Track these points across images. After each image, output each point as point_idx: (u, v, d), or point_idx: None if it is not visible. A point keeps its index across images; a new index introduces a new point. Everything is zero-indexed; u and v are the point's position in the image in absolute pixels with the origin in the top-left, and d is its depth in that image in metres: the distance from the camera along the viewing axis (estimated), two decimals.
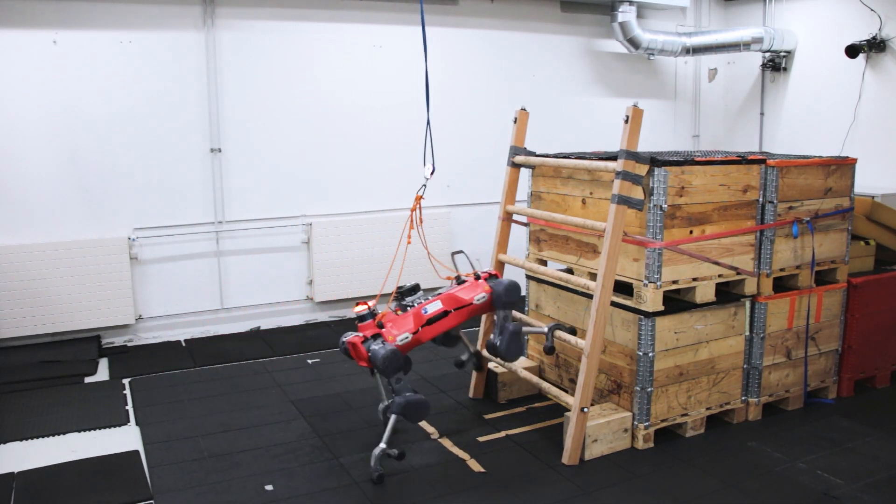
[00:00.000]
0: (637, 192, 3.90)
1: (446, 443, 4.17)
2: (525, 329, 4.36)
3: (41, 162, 5.62)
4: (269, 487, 3.69)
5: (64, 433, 4.34)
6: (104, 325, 5.87)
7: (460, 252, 4.76)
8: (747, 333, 4.41)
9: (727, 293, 4.38)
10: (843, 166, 4.61)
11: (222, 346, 5.99)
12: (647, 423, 4.10)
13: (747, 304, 4.38)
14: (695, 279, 4.15)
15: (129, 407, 4.76)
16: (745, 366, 4.44)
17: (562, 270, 4.59)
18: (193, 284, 6.20)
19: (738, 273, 4.31)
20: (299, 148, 6.45)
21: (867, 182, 6.12)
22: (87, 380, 5.23)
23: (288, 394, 4.95)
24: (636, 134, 3.85)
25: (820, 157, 4.66)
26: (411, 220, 4.32)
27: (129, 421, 4.54)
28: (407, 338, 3.98)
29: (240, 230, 6.32)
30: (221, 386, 5.11)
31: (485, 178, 6.97)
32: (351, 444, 4.17)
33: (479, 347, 4.81)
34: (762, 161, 4.31)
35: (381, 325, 3.99)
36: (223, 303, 6.33)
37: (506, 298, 4.15)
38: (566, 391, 4.29)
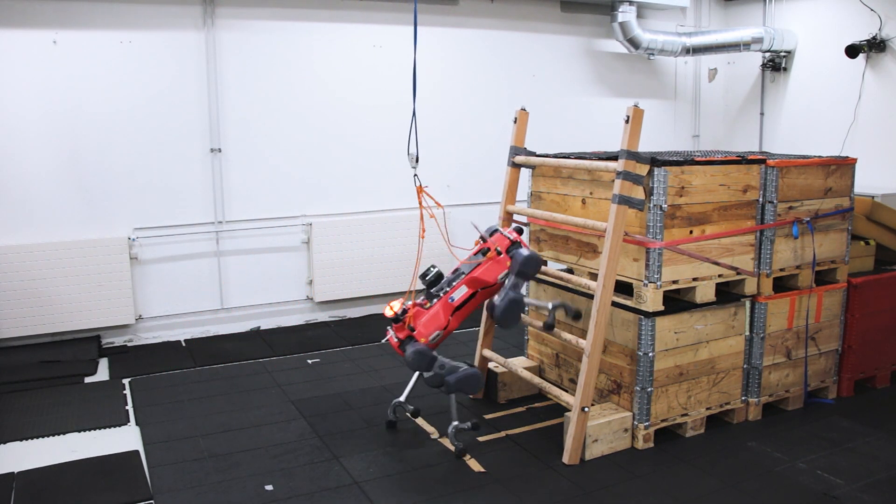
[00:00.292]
0: (638, 192, 3.90)
1: (446, 443, 4.17)
2: (528, 301, 4.35)
3: (41, 162, 5.62)
4: (269, 487, 3.69)
5: (64, 433, 4.34)
6: (104, 325, 5.87)
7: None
8: (747, 333, 4.41)
9: (727, 293, 4.38)
10: (843, 166, 4.61)
11: (222, 346, 5.99)
12: (647, 423, 4.10)
13: (747, 304, 4.38)
14: (695, 279, 4.15)
15: (129, 407, 4.76)
16: (745, 366, 4.44)
17: (562, 270, 4.59)
18: (193, 284, 6.20)
19: (738, 273, 4.31)
20: (299, 148, 6.46)
21: (867, 182, 6.12)
22: (87, 380, 5.23)
23: (288, 394, 4.95)
24: (637, 134, 3.85)
25: (820, 157, 4.66)
26: (421, 213, 4.28)
27: (129, 421, 4.54)
28: (438, 335, 4.07)
29: (240, 230, 6.32)
30: (221, 386, 5.11)
31: (485, 178, 6.97)
32: (351, 444, 4.17)
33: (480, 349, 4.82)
34: (762, 161, 4.31)
35: (412, 329, 4.04)
36: (223, 303, 6.33)
37: (521, 268, 4.07)
38: (566, 391, 4.28)
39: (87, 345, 5.76)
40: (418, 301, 4.18)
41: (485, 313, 4.82)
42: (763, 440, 4.20)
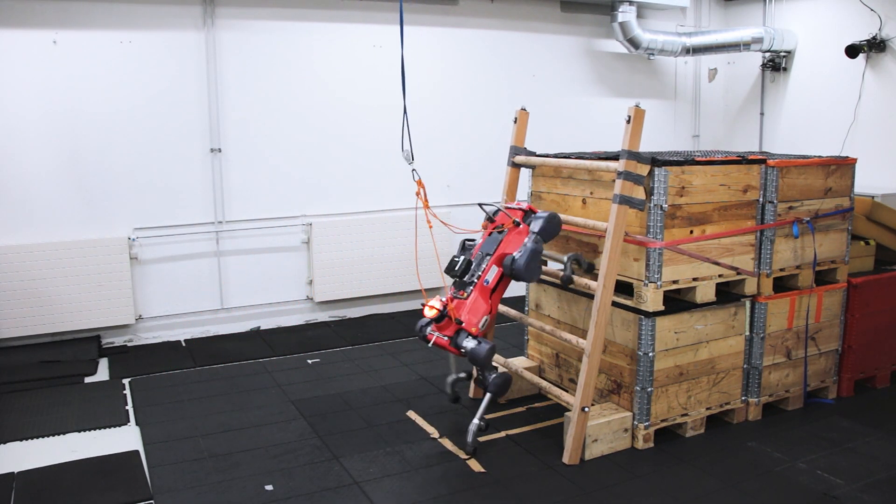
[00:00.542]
0: (639, 193, 3.90)
1: (446, 443, 4.17)
2: (546, 254, 4.32)
3: (41, 162, 5.62)
4: (269, 487, 3.69)
5: (64, 433, 4.34)
6: (104, 325, 5.87)
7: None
8: (747, 333, 4.41)
9: (727, 293, 4.38)
10: (843, 166, 4.61)
11: (222, 346, 5.99)
12: (647, 423, 4.10)
13: (747, 304, 4.38)
14: (695, 279, 4.15)
15: (129, 407, 4.76)
16: (745, 366, 4.44)
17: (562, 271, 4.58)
18: (193, 284, 6.20)
19: (739, 273, 4.31)
20: (299, 148, 6.46)
21: (867, 182, 6.12)
22: (87, 380, 5.23)
23: (288, 394, 4.95)
24: (638, 134, 3.85)
25: (820, 157, 4.66)
26: (425, 202, 4.22)
27: (129, 421, 4.54)
28: (486, 321, 4.05)
29: (240, 230, 6.32)
30: (221, 386, 5.11)
31: (485, 178, 6.97)
32: (351, 444, 4.17)
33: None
34: (762, 161, 4.31)
35: (459, 322, 3.97)
36: (223, 303, 6.33)
37: (544, 225, 4.07)
38: (566, 391, 4.28)
39: (87, 345, 5.76)
40: (451, 294, 4.11)
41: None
42: (763, 440, 4.20)
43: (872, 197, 5.41)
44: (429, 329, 4.07)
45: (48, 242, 5.62)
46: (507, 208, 4.27)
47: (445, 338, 4.01)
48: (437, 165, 6.48)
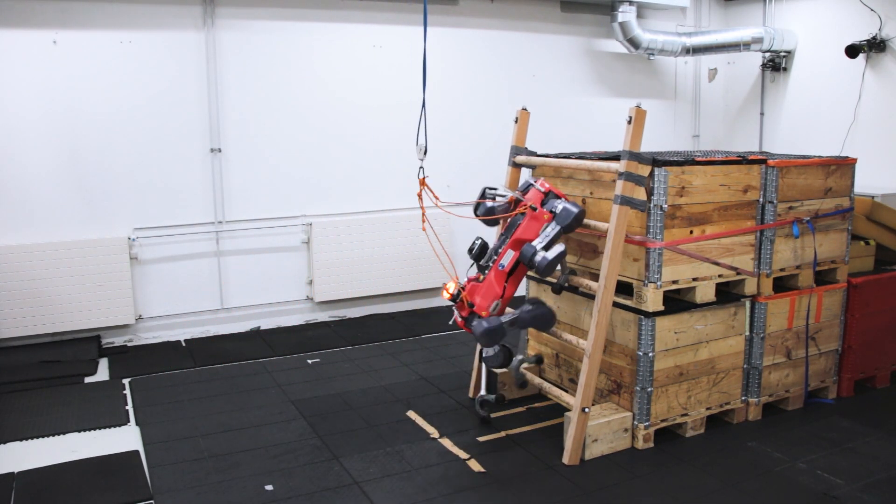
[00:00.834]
0: (640, 193, 3.90)
1: (446, 443, 4.17)
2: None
3: (41, 162, 5.62)
4: (269, 487, 3.69)
5: (64, 433, 4.34)
6: (104, 325, 5.87)
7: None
8: (747, 333, 4.41)
9: (727, 293, 4.38)
10: (843, 166, 4.61)
11: (222, 346, 5.99)
12: (647, 423, 4.10)
13: (747, 304, 4.38)
14: (695, 279, 4.15)
15: (129, 407, 4.76)
16: (745, 366, 4.44)
17: None
18: (193, 284, 6.20)
19: (738, 273, 4.31)
20: (299, 148, 6.46)
21: (867, 182, 6.12)
22: (87, 380, 5.23)
23: (288, 394, 4.95)
24: (639, 135, 3.85)
25: (820, 157, 4.66)
26: (421, 205, 4.24)
27: (129, 421, 4.54)
28: (497, 305, 4.08)
29: (240, 230, 6.32)
30: (221, 386, 5.11)
31: (485, 178, 6.90)
32: (351, 444, 4.17)
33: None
34: (762, 161, 4.31)
35: (471, 305, 4.04)
36: (223, 303, 6.33)
37: (564, 230, 4.00)
38: (566, 391, 4.28)
39: (87, 345, 5.76)
40: (472, 277, 4.17)
41: None
42: (763, 440, 4.20)
43: (872, 197, 5.41)
44: (453, 308, 4.20)
45: (48, 242, 5.62)
46: (530, 186, 4.19)
47: (462, 318, 4.13)
48: (437, 165, 6.42)
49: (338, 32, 6.48)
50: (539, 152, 4.80)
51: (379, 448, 4.11)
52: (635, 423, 4.11)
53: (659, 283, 4.00)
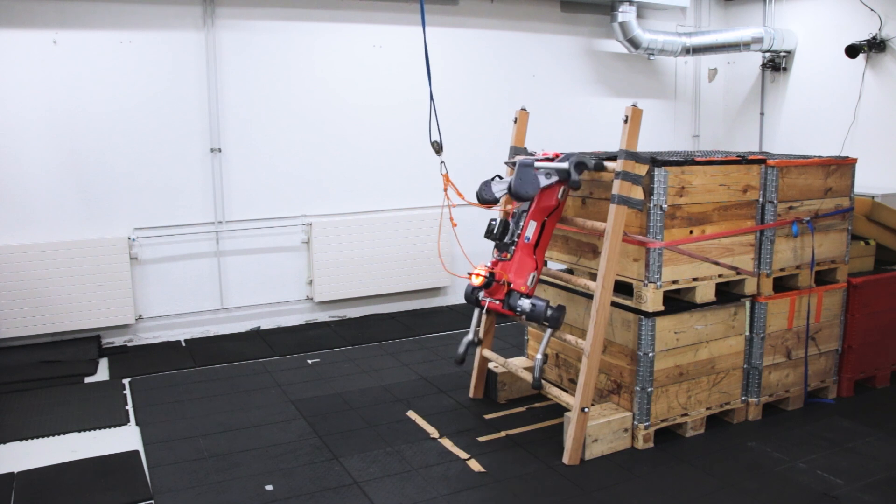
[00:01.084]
0: (637, 193, 3.90)
1: (446, 443, 4.17)
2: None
3: (41, 162, 5.62)
4: (269, 487, 3.69)
5: (64, 433, 4.34)
6: (104, 325, 5.87)
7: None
8: (747, 333, 4.41)
9: (727, 293, 4.38)
10: (843, 166, 4.61)
11: (222, 346, 5.99)
12: (647, 423, 4.10)
13: (747, 304, 4.38)
14: (695, 279, 4.15)
15: (129, 407, 4.76)
16: (745, 366, 4.43)
17: (562, 270, 4.59)
18: (193, 284, 6.20)
19: (738, 273, 4.31)
20: (299, 148, 6.46)
21: (867, 182, 6.12)
22: (87, 380, 5.23)
23: (288, 394, 4.95)
24: (636, 134, 3.85)
25: (820, 157, 4.66)
26: (458, 192, 4.25)
27: (129, 421, 4.54)
28: (534, 277, 4.06)
29: (240, 230, 6.32)
30: (221, 386, 5.11)
31: (485, 177, 6.94)
32: (351, 444, 4.17)
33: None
34: (762, 161, 4.31)
35: (508, 284, 3.99)
36: (223, 303, 6.33)
37: (573, 178, 4.02)
38: (566, 391, 4.28)
39: (87, 345, 5.76)
40: (495, 258, 4.13)
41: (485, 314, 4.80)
42: (763, 440, 4.20)
43: (872, 197, 5.41)
44: (481, 295, 4.11)
45: (48, 242, 5.62)
46: (538, 160, 4.21)
47: (497, 301, 4.04)
48: (437, 165, 6.47)
49: (338, 32, 6.48)
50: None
51: (379, 448, 4.12)
52: (635, 423, 4.11)
53: (659, 283, 4.00)
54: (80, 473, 3.83)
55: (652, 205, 3.96)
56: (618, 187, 3.83)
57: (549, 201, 4.10)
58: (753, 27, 7.39)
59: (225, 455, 4.05)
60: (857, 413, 4.58)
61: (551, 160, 4.16)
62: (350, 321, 6.68)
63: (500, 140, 6.44)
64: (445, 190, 4.26)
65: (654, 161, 3.94)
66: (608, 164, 4.01)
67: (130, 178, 5.90)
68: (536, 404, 4.71)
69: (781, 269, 4.45)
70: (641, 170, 3.90)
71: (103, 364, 5.55)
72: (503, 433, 4.30)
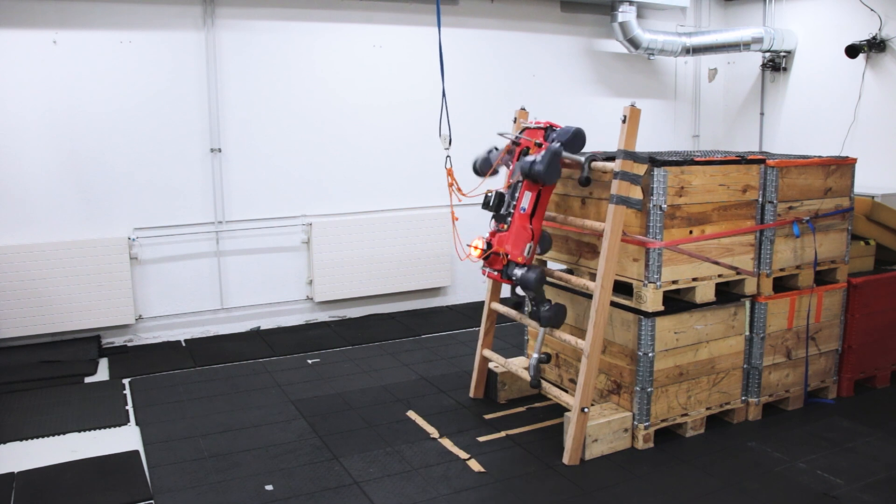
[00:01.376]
0: (636, 192, 3.90)
1: (446, 443, 4.17)
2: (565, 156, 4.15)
3: (41, 162, 5.62)
4: (269, 487, 3.69)
5: (64, 433, 4.34)
6: (104, 325, 5.87)
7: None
8: (747, 333, 4.41)
9: (727, 293, 4.38)
10: (843, 166, 4.61)
11: (222, 346, 5.99)
12: (647, 423, 4.10)
13: (747, 304, 4.38)
14: (695, 279, 4.15)
15: (129, 407, 4.76)
16: (745, 366, 4.44)
17: (561, 270, 4.58)
18: (193, 284, 6.20)
19: (738, 273, 4.31)
20: (299, 148, 6.46)
21: (867, 182, 6.12)
22: (87, 380, 5.23)
23: (288, 394, 4.95)
24: (634, 134, 3.84)
25: (820, 157, 4.66)
26: (451, 194, 4.26)
27: (129, 421, 4.54)
28: (530, 247, 4.07)
29: (240, 230, 6.32)
30: (221, 386, 5.11)
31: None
32: (351, 444, 4.17)
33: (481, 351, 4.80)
34: (762, 161, 4.31)
35: (506, 255, 4.01)
36: (223, 303, 6.33)
37: (564, 145, 4.00)
38: (566, 391, 4.28)
39: (87, 345, 5.76)
40: (493, 229, 4.13)
41: (485, 314, 4.81)
42: (763, 440, 4.20)
43: (872, 197, 5.41)
44: (482, 267, 4.15)
45: (48, 242, 5.62)
46: (527, 129, 4.22)
47: (496, 272, 4.09)
48: (437, 164, 6.47)
49: (338, 32, 6.48)
50: None
51: (379, 448, 4.12)
52: (635, 423, 4.11)
53: (659, 283, 4.00)
54: (80, 473, 3.83)
55: (651, 205, 3.96)
56: (616, 187, 3.83)
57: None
58: (753, 27, 7.39)
59: (225, 455, 4.05)
60: (857, 413, 4.58)
61: (543, 130, 4.17)
62: (350, 321, 6.68)
63: (500, 140, 6.43)
64: (450, 186, 4.26)
65: (654, 161, 3.94)
66: (607, 164, 4.01)
67: (130, 178, 5.90)
68: (536, 404, 4.71)
69: (781, 269, 4.45)
70: (640, 169, 3.90)
71: (103, 364, 5.55)
72: (503, 433, 4.30)
